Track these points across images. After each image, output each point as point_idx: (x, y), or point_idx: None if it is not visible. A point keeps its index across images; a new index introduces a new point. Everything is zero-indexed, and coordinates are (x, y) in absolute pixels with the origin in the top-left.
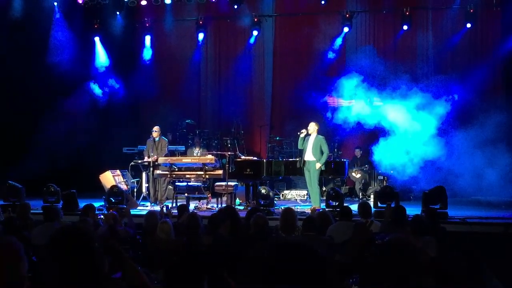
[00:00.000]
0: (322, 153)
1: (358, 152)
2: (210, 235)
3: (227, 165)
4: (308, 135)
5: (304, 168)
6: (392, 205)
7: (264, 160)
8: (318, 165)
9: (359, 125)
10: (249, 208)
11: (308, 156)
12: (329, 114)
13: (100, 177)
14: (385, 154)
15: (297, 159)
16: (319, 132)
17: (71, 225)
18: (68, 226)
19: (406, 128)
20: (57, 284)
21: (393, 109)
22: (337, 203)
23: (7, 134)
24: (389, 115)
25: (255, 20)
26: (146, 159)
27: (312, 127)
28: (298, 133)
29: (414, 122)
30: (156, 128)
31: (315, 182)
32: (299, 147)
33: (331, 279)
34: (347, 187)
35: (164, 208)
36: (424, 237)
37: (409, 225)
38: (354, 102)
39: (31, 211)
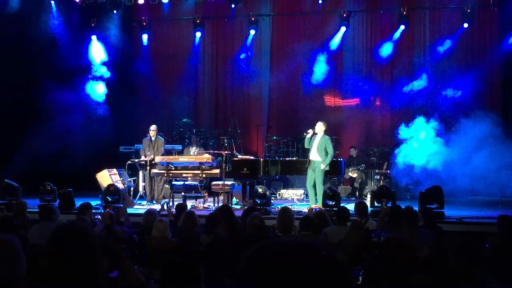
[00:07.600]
0: (326, 153)
1: (353, 152)
2: (208, 234)
3: (224, 164)
4: (314, 134)
5: (309, 168)
6: (389, 205)
7: (261, 159)
8: (322, 166)
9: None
10: (245, 207)
11: (313, 155)
12: None
13: (96, 176)
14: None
15: (295, 158)
16: (325, 132)
17: (70, 223)
18: (68, 224)
19: (404, 128)
20: (54, 283)
21: (391, 109)
22: (334, 203)
23: (2, 132)
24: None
25: (253, 19)
26: (142, 158)
27: (319, 127)
28: (304, 133)
29: (410, 123)
30: (153, 127)
31: (320, 182)
32: (306, 146)
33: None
34: (348, 187)
35: (165, 206)
36: (419, 230)
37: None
38: (351, 102)
39: (28, 210)
